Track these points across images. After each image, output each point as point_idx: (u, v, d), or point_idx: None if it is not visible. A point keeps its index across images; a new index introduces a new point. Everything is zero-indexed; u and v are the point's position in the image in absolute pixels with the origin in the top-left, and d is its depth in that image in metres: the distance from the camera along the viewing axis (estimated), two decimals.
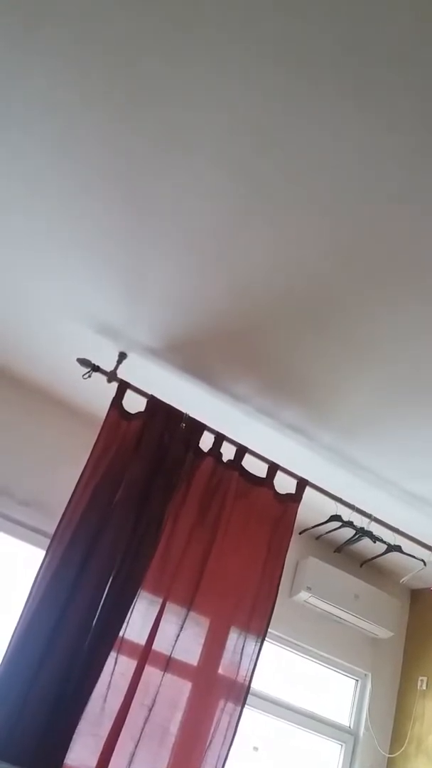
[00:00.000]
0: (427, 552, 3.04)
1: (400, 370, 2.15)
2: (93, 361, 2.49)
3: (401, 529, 2.95)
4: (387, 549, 3.07)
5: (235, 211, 1.75)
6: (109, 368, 2.52)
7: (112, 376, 2.51)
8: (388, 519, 2.94)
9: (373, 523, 2.91)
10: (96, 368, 2.49)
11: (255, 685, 2.60)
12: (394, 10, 1.20)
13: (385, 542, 3.03)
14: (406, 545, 3.03)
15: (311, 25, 1.27)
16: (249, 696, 2.35)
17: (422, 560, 3.14)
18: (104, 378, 2.51)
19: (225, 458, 2.61)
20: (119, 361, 2.55)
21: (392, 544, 3.04)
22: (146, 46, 1.39)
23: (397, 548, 3.05)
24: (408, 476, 2.78)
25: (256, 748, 3.26)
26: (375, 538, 3.01)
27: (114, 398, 2.50)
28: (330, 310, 2.00)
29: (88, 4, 1.34)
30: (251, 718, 3.20)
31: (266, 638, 2.45)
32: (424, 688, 3.52)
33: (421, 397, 2.25)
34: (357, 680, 3.69)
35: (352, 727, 3.54)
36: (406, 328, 1.96)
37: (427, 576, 3.51)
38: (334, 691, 3.62)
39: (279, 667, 3.46)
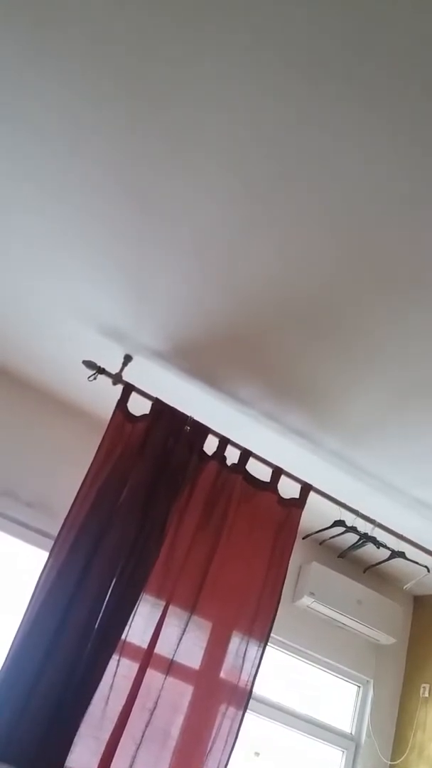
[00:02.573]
0: (430, 558, 3.03)
1: (405, 375, 2.15)
2: (98, 364, 2.50)
3: (405, 535, 2.94)
4: (391, 555, 3.06)
5: (240, 214, 1.75)
6: (114, 370, 2.53)
7: (117, 378, 2.52)
8: (392, 525, 2.94)
9: (377, 528, 2.91)
10: (101, 370, 2.50)
11: (257, 690, 2.59)
12: (397, 10, 1.20)
13: (388, 548, 3.03)
14: (410, 551, 3.03)
15: (322, 31, 1.27)
16: (251, 701, 2.35)
17: (426, 567, 3.14)
18: (109, 380, 2.52)
19: (229, 462, 2.61)
20: (124, 364, 2.56)
21: (396, 550, 3.03)
22: (153, 48, 1.40)
23: (401, 554, 3.04)
24: (413, 482, 2.77)
25: (257, 753, 3.25)
26: (379, 544, 3.01)
27: (119, 400, 2.50)
28: (336, 314, 2.00)
29: (96, 6, 1.35)
30: (253, 722, 3.19)
31: (268, 643, 2.45)
32: (427, 695, 3.50)
33: (427, 403, 2.25)
34: (359, 686, 3.67)
35: (353, 733, 3.52)
36: (411, 333, 1.96)
37: (431, 582, 3.50)
38: (336, 697, 3.61)
39: (281, 672, 3.45)
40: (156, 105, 1.52)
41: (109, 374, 2.51)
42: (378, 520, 2.89)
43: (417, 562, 3.09)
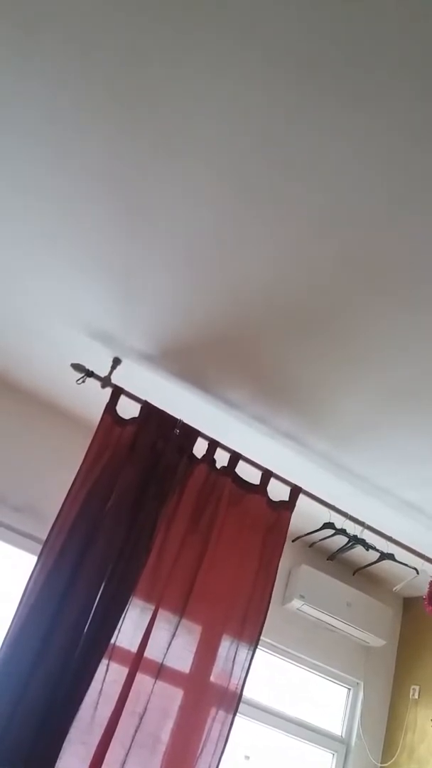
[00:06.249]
0: (419, 560, 3.04)
1: (394, 378, 2.16)
2: (87, 367, 2.49)
3: (394, 537, 2.95)
4: (380, 557, 3.07)
5: (231, 218, 1.75)
6: (103, 374, 2.52)
7: (106, 381, 2.51)
8: (382, 527, 2.94)
9: (366, 531, 2.91)
10: (90, 374, 2.49)
11: (247, 694, 2.58)
12: (396, 13, 1.20)
13: (378, 550, 3.03)
14: (399, 553, 3.03)
15: (311, 30, 1.27)
16: (241, 704, 2.34)
17: (415, 568, 3.14)
18: (98, 383, 2.51)
19: (218, 465, 2.60)
20: (113, 367, 2.55)
21: (385, 552, 3.04)
22: (146, 52, 1.39)
23: (390, 556, 3.05)
24: (401, 484, 2.78)
25: (247, 757, 3.24)
26: (368, 546, 3.01)
27: (108, 404, 2.49)
28: (325, 317, 2.00)
29: (89, 10, 1.35)
30: (243, 726, 3.18)
31: (258, 646, 2.44)
32: (416, 696, 3.51)
33: (415, 405, 2.26)
34: (349, 689, 3.68)
35: (344, 736, 3.52)
36: (400, 336, 1.97)
37: (420, 584, 3.51)
38: (327, 700, 3.61)
39: (271, 675, 3.45)
40: (151, 110, 1.51)
41: (97, 377, 2.50)
42: (367, 522, 2.90)
43: (406, 564, 3.10)
